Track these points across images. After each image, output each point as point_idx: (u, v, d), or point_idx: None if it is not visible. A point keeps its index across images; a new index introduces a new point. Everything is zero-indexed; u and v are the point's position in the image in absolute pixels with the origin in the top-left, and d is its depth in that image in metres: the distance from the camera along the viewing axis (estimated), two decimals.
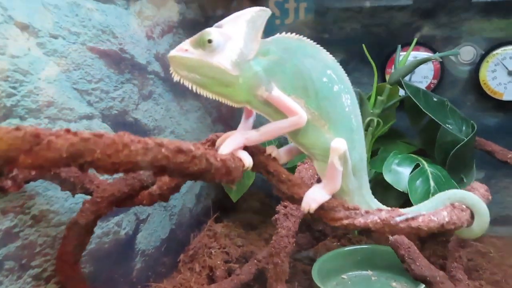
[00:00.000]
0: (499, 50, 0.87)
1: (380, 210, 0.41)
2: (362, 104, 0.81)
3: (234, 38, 0.37)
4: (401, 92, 0.83)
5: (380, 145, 0.85)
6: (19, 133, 0.26)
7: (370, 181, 0.45)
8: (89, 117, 0.54)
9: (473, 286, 0.78)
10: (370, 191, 0.44)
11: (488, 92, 0.88)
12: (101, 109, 0.56)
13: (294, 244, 0.53)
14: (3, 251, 0.43)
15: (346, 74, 0.42)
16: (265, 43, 0.39)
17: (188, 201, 0.85)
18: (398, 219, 0.40)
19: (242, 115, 0.42)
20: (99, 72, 0.55)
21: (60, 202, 0.50)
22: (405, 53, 0.83)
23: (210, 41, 0.36)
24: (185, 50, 0.36)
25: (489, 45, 0.89)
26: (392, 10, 0.95)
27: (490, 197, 0.50)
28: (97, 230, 0.56)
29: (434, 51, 0.92)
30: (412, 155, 0.73)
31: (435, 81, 0.92)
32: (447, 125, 0.68)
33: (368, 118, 0.80)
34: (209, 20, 0.88)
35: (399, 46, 0.83)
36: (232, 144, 0.37)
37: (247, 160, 0.37)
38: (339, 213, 0.40)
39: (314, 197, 0.39)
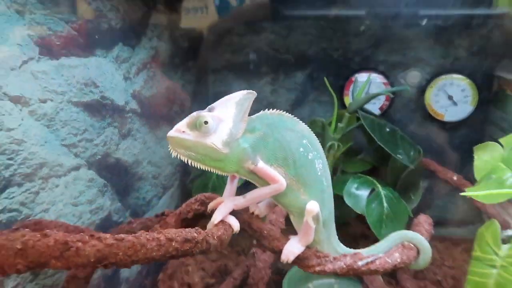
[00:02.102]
0: (442, 77, 0.97)
1: (345, 255, 0.49)
2: (324, 130, 0.89)
3: (225, 120, 0.42)
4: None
5: (340, 162, 0.94)
6: (49, 240, 0.30)
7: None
8: (77, 168, 0.57)
9: (418, 287, 0.90)
10: (337, 237, 0.52)
11: (432, 114, 0.99)
12: (87, 158, 0.60)
13: (269, 274, 0.60)
14: None
15: (318, 141, 0.49)
16: (251, 120, 0.44)
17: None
18: (360, 263, 0.48)
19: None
20: (83, 124, 0.59)
21: None
22: (362, 79, 0.93)
23: (206, 122, 0.41)
24: (183, 131, 0.41)
25: (433, 72, 0.99)
26: (349, 35, 1.03)
27: (432, 231, 0.59)
28: None
29: (385, 76, 1.01)
30: (368, 178, 0.82)
31: (387, 102, 1.02)
32: (398, 155, 0.78)
33: (330, 143, 0.87)
34: (180, 51, 0.91)
35: (357, 77, 0.92)
36: (223, 212, 0.43)
37: (236, 226, 0.44)
38: (312, 261, 0.47)
39: (292, 250, 0.46)
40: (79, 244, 0.30)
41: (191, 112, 0.42)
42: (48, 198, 0.52)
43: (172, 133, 0.41)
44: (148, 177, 0.80)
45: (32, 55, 0.49)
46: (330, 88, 0.87)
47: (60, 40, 0.53)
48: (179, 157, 0.42)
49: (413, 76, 1.02)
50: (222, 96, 0.44)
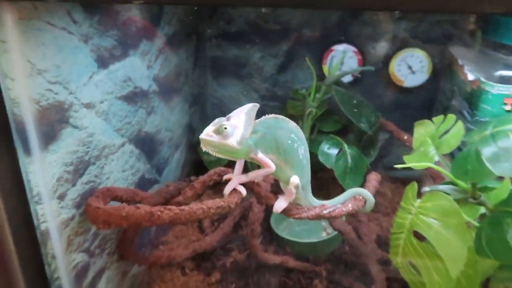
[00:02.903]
0: (404, 49, 1.16)
1: (315, 207, 0.73)
2: (305, 99, 1.10)
3: (238, 126, 0.63)
4: None
5: (317, 122, 1.16)
6: (141, 211, 0.52)
7: None
8: (123, 145, 0.78)
9: (372, 218, 1.18)
10: (311, 195, 0.75)
11: (394, 80, 1.20)
12: (128, 136, 0.80)
13: (263, 216, 0.86)
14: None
15: (302, 133, 0.70)
16: (255, 124, 0.65)
17: (175, 170, 1.13)
18: (324, 212, 0.72)
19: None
20: (125, 112, 0.78)
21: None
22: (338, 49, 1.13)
23: (225, 128, 0.61)
24: (210, 135, 0.62)
25: (397, 44, 1.18)
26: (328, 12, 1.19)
27: (378, 186, 0.83)
28: None
29: (358, 47, 1.19)
30: (338, 140, 1.04)
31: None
32: (361, 124, 1.00)
33: (309, 109, 1.09)
34: (184, 27, 1.07)
35: (332, 56, 1.11)
36: (232, 185, 0.66)
37: (243, 192, 0.67)
38: (293, 212, 0.71)
39: (280, 205, 0.70)
40: (159, 213, 0.52)
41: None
42: (108, 169, 0.73)
43: (203, 136, 0.61)
44: (165, 140, 1.01)
45: (94, 70, 0.67)
46: (310, 65, 1.06)
47: (107, 52, 0.70)
48: (207, 150, 0.63)
49: (382, 47, 1.21)
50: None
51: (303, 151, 0.70)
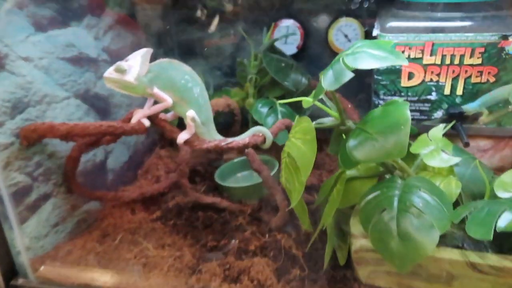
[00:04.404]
0: (339, 19, 1.28)
1: (216, 140, 0.87)
2: (244, 67, 1.24)
3: (135, 66, 0.78)
4: None
5: (264, 91, 1.29)
6: (45, 125, 0.69)
7: None
8: (68, 98, 0.96)
9: (317, 174, 1.29)
10: (215, 131, 0.89)
11: (334, 49, 1.31)
12: (73, 91, 0.98)
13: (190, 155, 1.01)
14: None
15: (198, 76, 0.84)
16: (151, 66, 0.80)
17: (141, 136, 1.31)
18: (223, 144, 0.86)
19: None
20: (69, 71, 0.96)
21: (63, 146, 0.93)
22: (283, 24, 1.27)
23: (123, 68, 0.77)
24: (111, 73, 0.78)
25: (334, 15, 1.30)
26: None
27: (283, 128, 0.96)
28: (83, 159, 1.02)
29: (300, 22, 1.32)
30: (271, 100, 1.18)
31: (301, 42, 1.34)
32: (285, 82, 1.13)
33: (249, 76, 1.23)
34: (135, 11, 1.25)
35: (265, 28, 1.24)
36: (136, 117, 0.82)
37: (146, 123, 0.82)
38: (195, 142, 0.85)
39: (182, 137, 0.85)
40: (58, 126, 0.70)
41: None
42: (52, 115, 0.91)
43: (106, 74, 0.77)
44: (123, 105, 1.19)
45: (31, 32, 0.85)
46: (244, 35, 1.21)
47: (46, 20, 0.89)
48: (111, 87, 0.79)
49: (322, 20, 1.33)
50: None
51: (198, 90, 0.84)
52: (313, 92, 0.81)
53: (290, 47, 1.34)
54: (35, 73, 0.87)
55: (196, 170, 1.26)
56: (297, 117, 0.80)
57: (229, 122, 1.25)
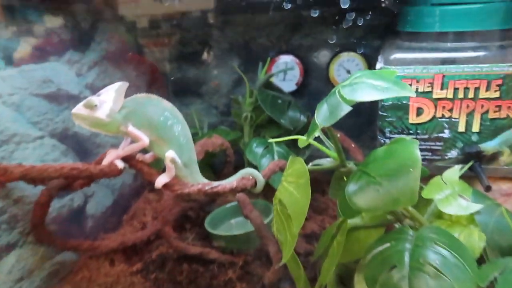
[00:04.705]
0: (340, 54, 1.21)
1: (200, 183, 0.77)
2: (239, 105, 1.16)
3: (107, 101, 0.70)
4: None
5: (261, 130, 1.20)
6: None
7: None
8: (41, 138, 0.88)
9: (319, 220, 1.17)
10: (199, 174, 0.79)
11: (335, 85, 1.22)
12: (49, 130, 0.90)
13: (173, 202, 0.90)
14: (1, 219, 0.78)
15: (180, 113, 0.76)
16: (126, 101, 0.72)
17: (127, 178, 1.21)
18: (207, 188, 0.76)
19: None
20: (45, 108, 0.89)
21: (33, 190, 0.84)
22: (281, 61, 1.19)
23: (94, 103, 0.69)
24: (80, 109, 0.69)
25: (335, 50, 1.23)
26: (270, 25, 1.28)
27: (278, 170, 0.85)
28: (56, 204, 0.92)
29: (300, 58, 1.25)
30: (268, 139, 1.08)
31: (301, 79, 1.26)
32: (281, 120, 1.04)
33: (244, 114, 1.14)
34: (125, 49, 1.20)
35: (260, 64, 1.17)
36: (110, 158, 0.72)
37: (119, 165, 0.72)
38: (175, 187, 0.75)
39: (161, 180, 0.75)
40: (12, 168, 0.60)
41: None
42: (21, 155, 0.83)
43: (74, 110, 0.69)
44: (107, 145, 1.10)
45: (1, 66, 0.79)
46: (238, 71, 1.14)
47: (19, 54, 0.83)
48: (80, 125, 0.71)
49: (323, 55, 1.26)
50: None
51: (179, 129, 0.75)
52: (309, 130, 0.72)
53: (289, 84, 1.26)
54: (3, 110, 0.79)
55: (187, 216, 1.16)
56: (290, 157, 0.70)
57: (221, 164, 1.15)
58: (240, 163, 1.17)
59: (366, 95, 0.56)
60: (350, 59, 1.20)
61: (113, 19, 1.17)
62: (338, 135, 1.09)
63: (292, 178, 0.66)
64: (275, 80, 1.25)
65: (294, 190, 0.64)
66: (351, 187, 0.60)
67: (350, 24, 1.19)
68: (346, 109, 0.57)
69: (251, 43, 1.32)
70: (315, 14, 1.21)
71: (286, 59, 1.26)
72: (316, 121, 0.60)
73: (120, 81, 0.73)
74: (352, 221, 0.74)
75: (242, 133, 1.18)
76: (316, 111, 0.62)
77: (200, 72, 1.39)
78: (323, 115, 0.59)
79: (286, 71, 1.24)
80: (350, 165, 0.70)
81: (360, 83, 0.59)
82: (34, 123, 0.86)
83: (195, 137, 1.06)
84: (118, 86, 0.72)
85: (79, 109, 0.69)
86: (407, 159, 0.57)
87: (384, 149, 0.62)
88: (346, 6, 1.13)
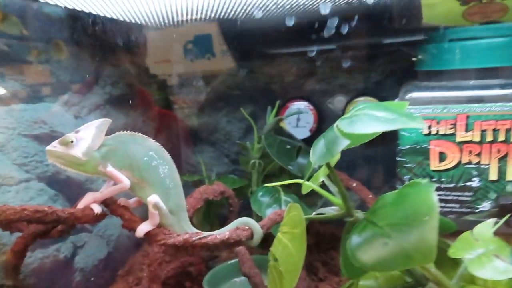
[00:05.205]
0: (356, 99, 1.13)
1: (187, 233, 0.67)
2: (247, 151, 1.08)
3: (85, 138, 0.64)
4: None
5: (271, 179, 1.11)
6: None
7: None
8: (28, 181, 0.82)
9: (335, 283, 1.02)
10: (188, 222, 0.70)
11: None
12: (36, 173, 0.84)
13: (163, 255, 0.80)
14: None
15: (167, 153, 0.68)
16: (107, 138, 0.66)
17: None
18: (194, 238, 0.66)
19: None
20: (33, 150, 0.84)
21: (9, 237, 0.77)
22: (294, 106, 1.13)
23: (70, 139, 0.63)
24: (55, 146, 0.63)
25: (351, 95, 1.15)
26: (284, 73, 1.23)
27: (279, 220, 0.75)
28: (39, 254, 0.84)
29: (313, 103, 1.18)
30: (274, 187, 0.98)
31: (315, 125, 1.18)
32: (289, 166, 0.95)
33: (252, 161, 1.06)
34: (132, 94, 1.17)
35: (269, 107, 1.11)
36: (85, 202, 0.65)
37: (96, 209, 0.65)
38: (159, 237, 0.66)
39: (143, 228, 0.66)
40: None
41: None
42: (3, 199, 0.77)
43: (48, 147, 0.63)
44: None
45: None
46: (246, 116, 1.07)
47: (8, 92, 0.80)
48: (55, 164, 0.64)
49: (338, 101, 1.19)
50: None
51: (166, 170, 0.68)
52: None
53: (302, 131, 1.19)
54: None
55: (187, 272, 1.04)
56: (288, 204, 0.60)
57: (224, 214, 1.05)
58: (248, 214, 1.07)
59: (366, 128, 0.47)
60: None
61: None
62: (355, 184, 0.98)
63: (287, 228, 0.56)
64: (289, 128, 1.18)
65: (288, 242, 0.54)
66: (354, 240, 0.49)
67: (367, 68, 1.13)
68: (344, 143, 0.48)
69: (264, 89, 1.27)
70: (330, 60, 1.16)
71: (298, 106, 1.19)
72: (311, 160, 0.51)
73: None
74: (364, 283, 0.62)
75: (250, 181, 1.09)
76: (312, 148, 0.53)
77: (211, 119, 1.34)
78: (319, 152, 0.50)
79: (299, 117, 1.17)
80: (358, 214, 0.59)
81: (361, 115, 0.50)
82: (20, 164, 0.81)
83: (201, 185, 0.98)
84: (99, 122, 0.66)
85: (53, 146, 0.63)
86: (421, 205, 0.46)
87: (394, 193, 0.51)
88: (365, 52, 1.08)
